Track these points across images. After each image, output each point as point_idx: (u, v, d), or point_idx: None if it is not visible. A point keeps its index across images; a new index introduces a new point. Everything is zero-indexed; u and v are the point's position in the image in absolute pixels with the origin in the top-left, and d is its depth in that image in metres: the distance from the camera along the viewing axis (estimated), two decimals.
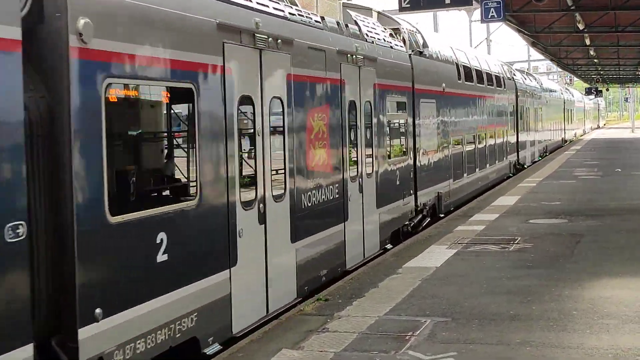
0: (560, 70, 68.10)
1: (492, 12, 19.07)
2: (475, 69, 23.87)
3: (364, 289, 11.27)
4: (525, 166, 34.01)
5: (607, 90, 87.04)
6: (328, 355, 8.17)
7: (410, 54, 17.46)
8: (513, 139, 30.82)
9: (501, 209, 19.97)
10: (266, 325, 9.48)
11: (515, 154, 31.94)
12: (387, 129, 15.20)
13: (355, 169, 13.21)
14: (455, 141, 21.08)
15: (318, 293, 11.17)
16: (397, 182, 15.62)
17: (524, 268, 12.39)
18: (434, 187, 18.57)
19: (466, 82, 22.31)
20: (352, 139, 13.16)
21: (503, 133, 28.43)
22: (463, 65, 22.00)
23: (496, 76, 27.20)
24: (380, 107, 14.67)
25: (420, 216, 17.15)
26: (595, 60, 41.98)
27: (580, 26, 25.90)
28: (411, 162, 16.77)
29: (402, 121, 16.42)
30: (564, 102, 56.17)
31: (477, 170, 23.96)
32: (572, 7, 22.53)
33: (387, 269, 12.64)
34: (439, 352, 8.15)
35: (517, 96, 31.05)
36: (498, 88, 27.48)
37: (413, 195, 16.72)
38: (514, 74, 32.47)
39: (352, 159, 13.09)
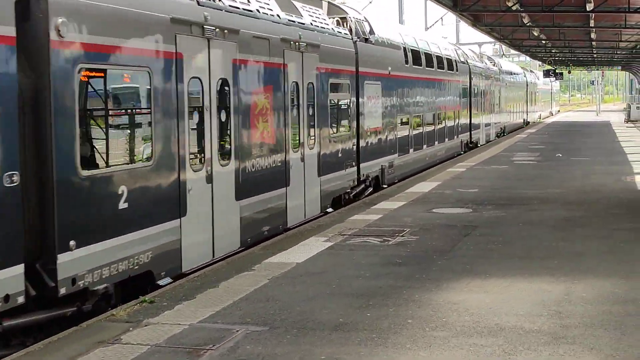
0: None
1: None
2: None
3: (202, 288, 10.19)
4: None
5: (569, 72, 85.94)
6: None
7: (355, 41, 19.10)
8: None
9: (412, 196, 18.95)
10: (60, 333, 8.40)
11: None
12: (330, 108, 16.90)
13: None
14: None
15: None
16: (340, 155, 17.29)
17: (391, 265, 11.36)
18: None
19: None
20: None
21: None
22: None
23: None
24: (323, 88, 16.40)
25: None
26: (543, 42, 40.84)
27: (509, 3, 24.79)
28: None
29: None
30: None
31: None
32: None
33: (244, 264, 11.57)
34: None
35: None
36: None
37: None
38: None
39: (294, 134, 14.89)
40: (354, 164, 18.45)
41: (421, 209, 16.72)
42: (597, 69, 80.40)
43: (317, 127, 16.18)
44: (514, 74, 52.70)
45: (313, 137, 16.04)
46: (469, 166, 26.35)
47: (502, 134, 45.31)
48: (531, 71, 68.70)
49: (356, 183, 18.80)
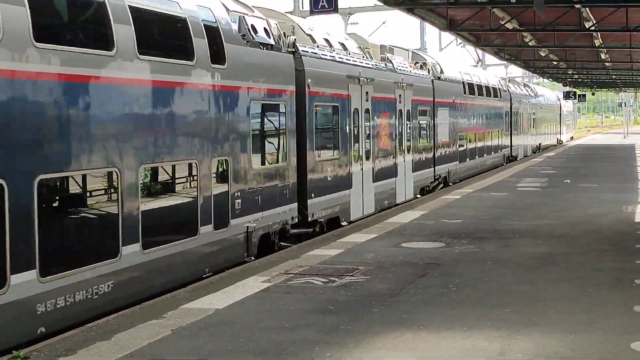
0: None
1: (323, 2, 16.39)
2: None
3: (92, 340, 8.92)
4: None
5: (593, 94, 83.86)
6: None
7: (432, 79, 26.60)
8: None
9: (389, 226, 17.59)
10: None
11: None
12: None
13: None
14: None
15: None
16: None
17: (320, 313, 10.01)
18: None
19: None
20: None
21: None
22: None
23: None
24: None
25: None
26: (554, 62, 39.19)
27: (502, 21, 23.39)
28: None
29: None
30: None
31: None
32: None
33: (157, 310, 10.29)
34: None
35: None
36: None
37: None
38: None
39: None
40: None
41: (390, 243, 15.36)
42: (622, 91, 78.30)
43: None
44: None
45: None
46: (467, 193, 24.91)
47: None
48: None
49: None
